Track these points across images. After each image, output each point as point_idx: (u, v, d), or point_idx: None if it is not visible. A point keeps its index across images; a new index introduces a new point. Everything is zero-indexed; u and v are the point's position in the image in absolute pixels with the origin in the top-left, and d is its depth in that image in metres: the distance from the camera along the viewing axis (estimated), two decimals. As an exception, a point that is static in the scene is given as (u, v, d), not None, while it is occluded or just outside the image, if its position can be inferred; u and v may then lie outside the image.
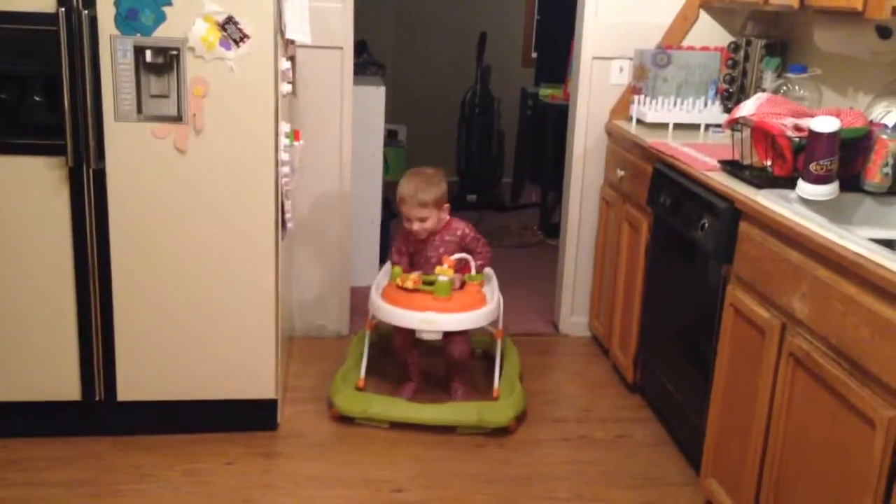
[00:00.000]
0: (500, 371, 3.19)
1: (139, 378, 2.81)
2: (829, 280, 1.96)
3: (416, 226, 3.08)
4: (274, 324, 2.85)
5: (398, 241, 3.25)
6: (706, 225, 2.62)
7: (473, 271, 3.12)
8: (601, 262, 3.80)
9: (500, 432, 3.00)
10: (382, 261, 4.70)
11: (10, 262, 2.68)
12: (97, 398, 2.80)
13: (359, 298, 4.06)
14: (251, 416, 2.91)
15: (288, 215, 2.98)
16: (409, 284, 2.98)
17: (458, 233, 3.17)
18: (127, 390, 2.81)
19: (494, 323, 3.18)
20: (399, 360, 3.25)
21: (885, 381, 1.75)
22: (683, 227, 2.81)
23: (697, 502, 2.63)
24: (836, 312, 1.92)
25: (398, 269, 3.07)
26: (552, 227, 5.49)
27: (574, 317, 3.98)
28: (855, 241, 1.94)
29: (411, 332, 3.02)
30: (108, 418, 2.83)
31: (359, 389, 3.11)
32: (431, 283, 2.99)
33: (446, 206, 3.14)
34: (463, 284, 3.11)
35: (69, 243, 2.68)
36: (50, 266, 2.69)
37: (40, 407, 2.79)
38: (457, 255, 3.07)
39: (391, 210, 5.10)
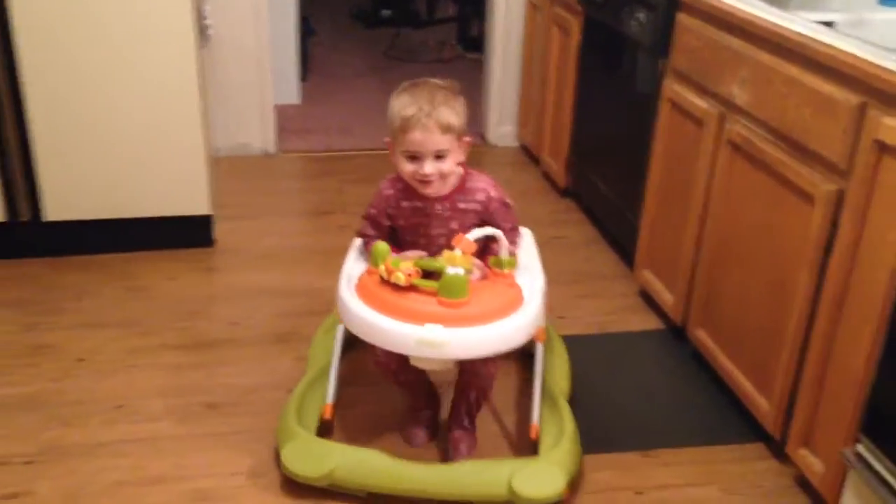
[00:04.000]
0: (539, 394, 2.02)
1: (66, 197, 2.70)
2: (772, 63, 1.99)
3: (429, 167, 1.82)
4: (203, 136, 2.76)
5: (374, 207, 1.98)
6: (642, 18, 2.60)
7: (503, 253, 1.83)
8: (529, 69, 3.77)
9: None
10: (303, 79, 4.56)
11: None
12: (23, 219, 2.69)
13: (281, 116, 3.96)
14: (188, 233, 2.87)
15: (207, 21, 2.81)
16: (401, 279, 1.72)
17: (480, 196, 1.93)
18: (54, 210, 2.70)
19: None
20: (390, 381, 2.03)
21: (825, 156, 1.81)
22: (617, 24, 2.79)
23: (631, 292, 2.76)
24: (778, 95, 1.96)
25: (383, 245, 1.78)
26: (471, 41, 5.40)
27: (502, 126, 3.99)
28: (799, 22, 1.96)
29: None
30: (38, 239, 2.74)
31: (325, 422, 1.99)
32: (433, 275, 1.76)
33: (467, 140, 1.89)
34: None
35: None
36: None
37: (-36, 231, 2.68)
38: (478, 232, 1.76)
39: (309, 26, 4.89)
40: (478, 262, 1.84)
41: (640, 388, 2.29)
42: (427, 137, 1.79)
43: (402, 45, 5.56)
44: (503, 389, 2.21)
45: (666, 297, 2.53)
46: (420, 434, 2.04)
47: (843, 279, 1.77)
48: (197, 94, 2.70)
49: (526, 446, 1.99)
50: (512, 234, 1.96)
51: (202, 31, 2.75)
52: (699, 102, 2.31)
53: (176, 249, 2.86)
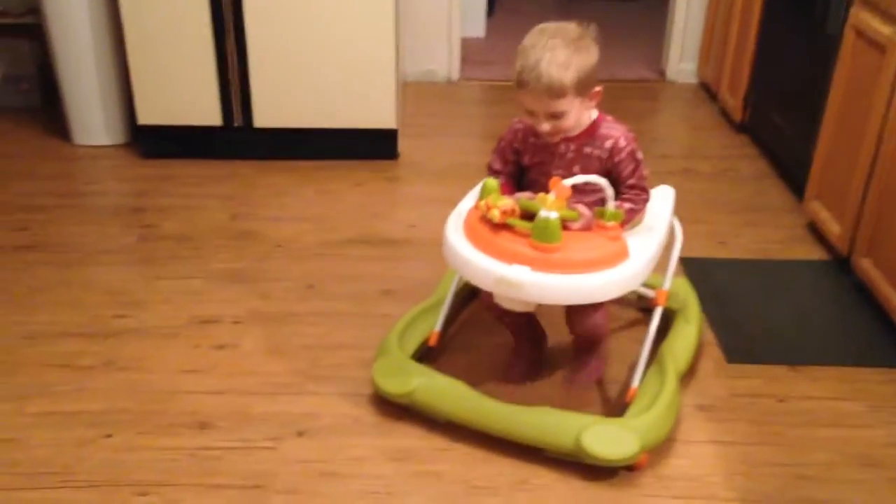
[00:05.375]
0: (646, 359, 1.97)
1: (273, 106, 3.04)
2: (961, -14, 1.95)
3: (546, 125, 1.77)
4: (394, 58, 3.00)
5: (503, 139, 1.93)
6: (833, -53, 2.56)
7: (610, 205, 1.78)
8: (715, 5, 3.75)
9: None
10: (489, 14, 4.72)
11: (156, 11, 2.88)
12: (236, 124, 3.06)
13: (466, 48, 4.15)
14: (375, 146, 3.14)
15: (405, -49, 3.02)
16: (496, 216, 1.70)
17: (608, 144, 1.82)
18: (262, 117, 3.05)
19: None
20: (496, 319, 2.01)
21: None
22: (808, -47, 2.75)
23: (799, 224, 2.77)
24: (965, 18, 1.93)
25: (493, 182, 1.76)
26: (661, -19, 5.35)
27: (682, 63, 4.00)
28: None
29: None
30: (247, 143, 3.10)
31: (429, 349, 2.07)
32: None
33: (597, 90, 1.79)
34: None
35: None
36: (190, 8, 2.87)
37: (188, 131, 3.08)
38: (578, 178, 1.73)
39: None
40: (585, 211, 1.77)
41: (796, 310, 2.33)
42: (536, 101, 1.73)
43: (589, -16, 5.58)
44: (625, 349, 2.12)
45: (833, 228, 2.52)
46: (516, 370, 2.03)
47: None
48: (392, 20, 2.94)
49: (619, 409, 1.92)
50: (631, 192, 1.83)
51: (399, -40, 2.98)
52: (884, 29, 2.28)
53: (364, 161, 3.13)
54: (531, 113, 1.78)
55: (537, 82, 1.70)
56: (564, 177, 1.73)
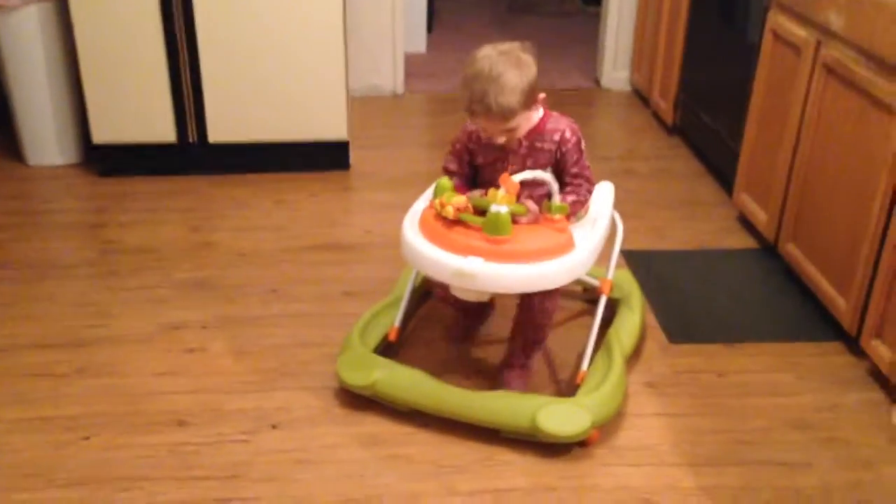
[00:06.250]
0: (594, 344, 2.11)
1: (227, 122, 3.12)
2: (863, -10, 2.15)
3: (501, 139, 1.92)
4: (344, 72, 3.11)
5: (458, 141, 2.05)
6: (749, -42, 2.77)
7: (556, 199, 1.90)
8: (643, 16, 3.96)
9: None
10: (429, 30, 4.88)
11: (109, 30, 2.94)
12: (191, 140, 3.14)
13: (409, 63, 4.29)
14: (327, 157, 3.24)
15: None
16: (450, 213, 1.85)
17: (556, 137, 1.96)
18: (217, 133, 3.13)
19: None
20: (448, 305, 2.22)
21: (906, 72, 1.98)
22: (727, -36, 2.96)
23: (730, 217, 2.96)
24: (868, 18, 2.13)
25: (446, 181, 1.91)
26: (591, -4, 5.58)
27: (616, 72, 4.19)
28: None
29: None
30: (202, 158, 3.17)
31: (389, 343, 2.18)
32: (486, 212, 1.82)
33: (541, 97, 1.94)
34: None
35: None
36: (143, 27, 2.95)
37: (143, 149, 3.14)
38: (526, 174, 1.86)
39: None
40: (532, 206, 1.90)
41: (731, 293, 2.51)
42: (489, 125, 1.87)
43: (523, 0, 5.79)
44: (575, 337, 2.25)
45: (760, 217, 2.71)
46: (457, 329, 2.26)
47: (916, 183, 1.94)
48: (341, 35, 3.06)
49: (570, 390, 2.06)
50: (574, 181, 1.98)
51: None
52: (799, 31, 2.48)
53: (318, 172, 3.23)
54: (486, 129, 1.92)
55: (488, 112, 1.83)
56: (519, 171, 1.89)
